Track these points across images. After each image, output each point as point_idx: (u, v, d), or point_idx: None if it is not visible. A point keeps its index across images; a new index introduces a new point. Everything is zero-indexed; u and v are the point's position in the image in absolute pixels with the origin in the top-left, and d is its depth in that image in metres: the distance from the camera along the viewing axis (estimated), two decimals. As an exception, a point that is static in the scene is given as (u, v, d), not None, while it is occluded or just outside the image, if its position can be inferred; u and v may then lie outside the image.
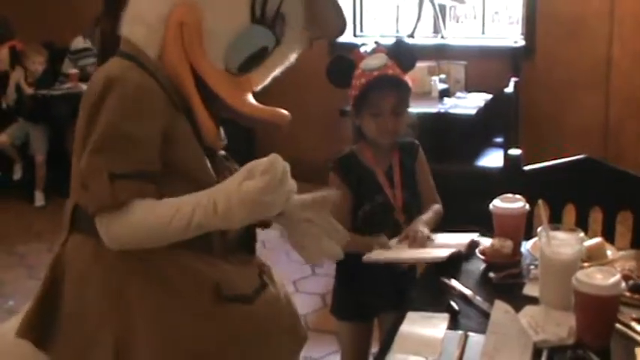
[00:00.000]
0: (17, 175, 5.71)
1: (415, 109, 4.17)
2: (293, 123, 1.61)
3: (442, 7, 5.25)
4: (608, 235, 2.21)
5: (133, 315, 1.46)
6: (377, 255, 2.05)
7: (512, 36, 5.08)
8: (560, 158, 2.50)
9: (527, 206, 1.98)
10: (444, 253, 1.92)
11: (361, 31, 5.72)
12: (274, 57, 1.59)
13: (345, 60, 2.26)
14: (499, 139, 4.46)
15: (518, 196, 1.99)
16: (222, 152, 1.66)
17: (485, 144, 4.52)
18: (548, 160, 2.51)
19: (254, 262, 1.65)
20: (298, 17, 1.58)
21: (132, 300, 1.47)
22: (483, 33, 5.28)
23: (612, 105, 4.78)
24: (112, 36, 1.54)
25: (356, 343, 2.35)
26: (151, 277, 1.48)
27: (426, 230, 2.10)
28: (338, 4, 1.60)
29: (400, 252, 2.05)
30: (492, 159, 4.34)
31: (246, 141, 4.81)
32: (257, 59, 1.55)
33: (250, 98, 1.59)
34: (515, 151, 2.59)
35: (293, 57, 1.64)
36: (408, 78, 2.26)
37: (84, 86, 5.51)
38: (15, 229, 5.06)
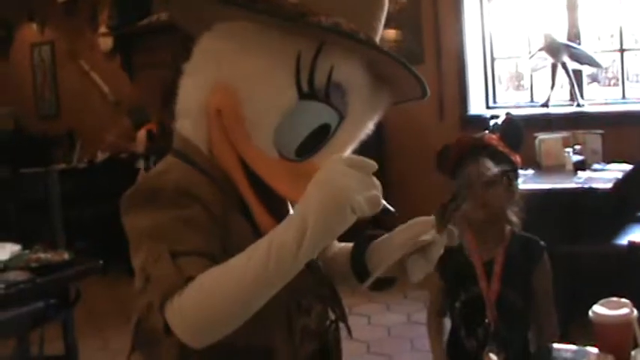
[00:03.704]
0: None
1: (547, 184, 4.02)
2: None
3: (578, 73, 4.92)
4: None
5: None
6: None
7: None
8: None
9: (636, 312, 1.69)
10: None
11: (494, 102, 5.48)
12: (343, 132, 1.36)
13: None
14: (641, 215, 4.05)
15: (624, 300, 1.71)
16: None
17: (624, 220, 4.10)
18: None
19: None
20: (360, 84, 1.34)
21: None
22: (624, 97, 4.88)
23: None
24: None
25: None
26: None
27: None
28: (404, 61, 1.32)
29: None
30: (633, 237, 3.91)
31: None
32: (318, 139, 1.34)
33: None
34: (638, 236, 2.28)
35: (370, 125, 1.40)
36: (515, 156, 2.11)
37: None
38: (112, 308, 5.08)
